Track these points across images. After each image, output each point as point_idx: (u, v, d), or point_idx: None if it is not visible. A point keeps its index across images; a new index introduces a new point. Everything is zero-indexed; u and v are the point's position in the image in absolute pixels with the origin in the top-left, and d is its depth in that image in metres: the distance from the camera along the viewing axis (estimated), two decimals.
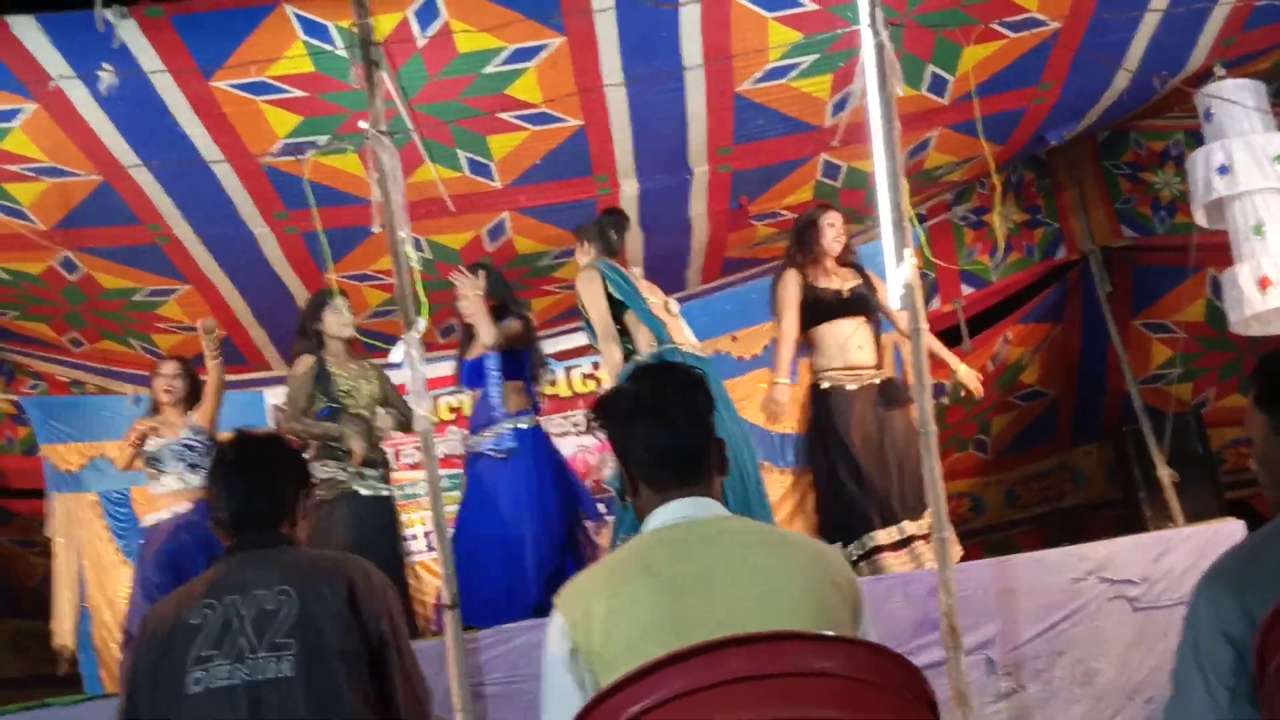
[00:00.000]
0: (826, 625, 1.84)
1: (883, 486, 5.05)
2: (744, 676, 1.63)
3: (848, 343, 5.20)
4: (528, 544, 4.96)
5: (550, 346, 6.96)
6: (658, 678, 1.64)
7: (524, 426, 5.10)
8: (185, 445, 5.30)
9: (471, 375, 5.25)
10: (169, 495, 5.28)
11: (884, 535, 5.01)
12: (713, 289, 7.04)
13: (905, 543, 5.02)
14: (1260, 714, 1.77)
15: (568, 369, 7.02)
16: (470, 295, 5.14)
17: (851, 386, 5.16)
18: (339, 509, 5.05)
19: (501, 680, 4.11)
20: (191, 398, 5.47)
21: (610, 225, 5.22)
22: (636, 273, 5.32)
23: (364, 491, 5.14)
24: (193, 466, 5.24)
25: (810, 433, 5.31)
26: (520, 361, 5.21)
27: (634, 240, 6.37)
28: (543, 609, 4.69)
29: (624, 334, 4.97)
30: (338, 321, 5.30)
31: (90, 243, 5.80)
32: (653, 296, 5.11)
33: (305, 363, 5.25)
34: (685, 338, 5.07)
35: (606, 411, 2.11)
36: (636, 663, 1.68)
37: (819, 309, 5.21)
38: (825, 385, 5.18)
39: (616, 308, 4.97)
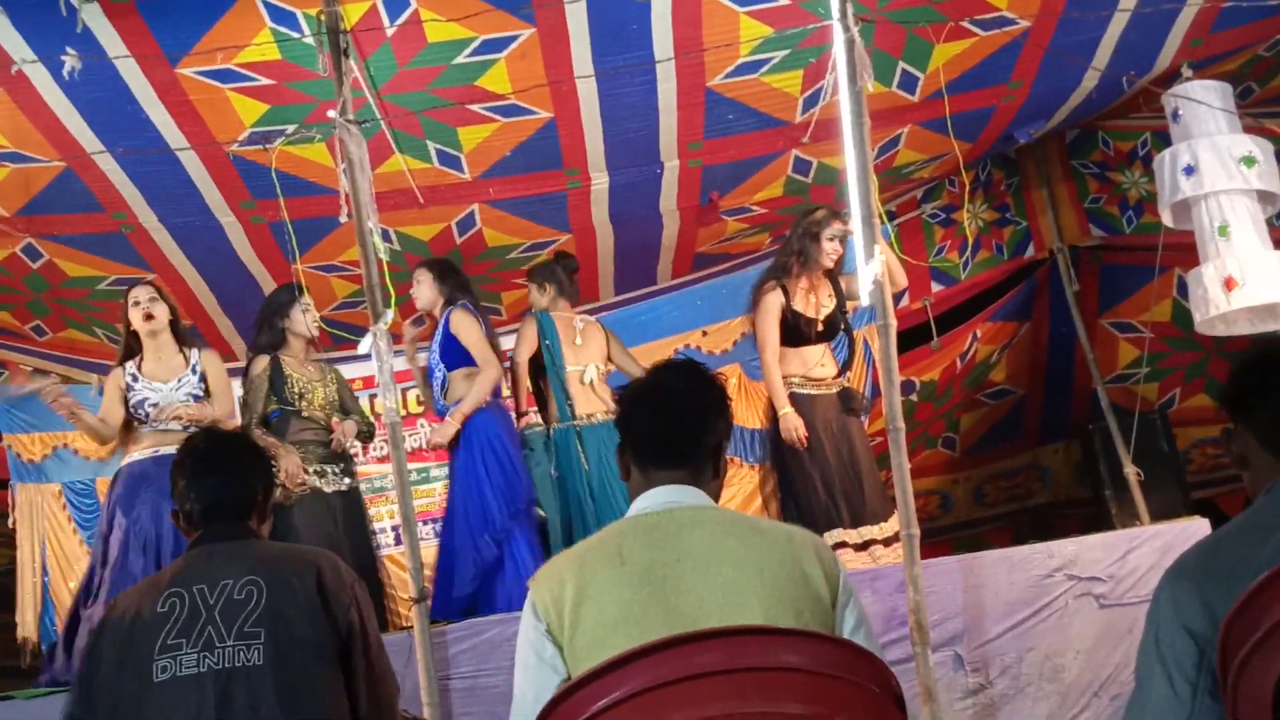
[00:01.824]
0: (793, 615, 1.84)
1: (845, 488, 5.14)
2: (709, 671, 1.62)
3: (813, 362, 5.31)
4: (459, 537, 4.98)
5: None
6: (622, 673, 1.63)
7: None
8: (191, 395, 4.84)
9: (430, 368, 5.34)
10: (148, 437, 4.82)
11: (849, 534, 5.07)
12: (683, 284, 7.05)
13: (865, 545, 5.09)
14: (1222, 708, 1.77)
15: None
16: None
17: (813, 392, 5.26)
18: (301, 510, 4.96)
19: (469, 674, 4.09)
20: (178, 331, 4.97)
21: (565, 269, 5.50)
22: (576, 324, 5.43)
23: (327, 489, 5.08)
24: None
25: (774, 432, 5.33)
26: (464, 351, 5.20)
27: (604, 235, 6.36)
28: (470, 609, 4.73)
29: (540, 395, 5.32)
30: (307, 320, 5.21)
31: (53, 230, 5.72)
32: (573, 358, 5.32)
33: (261, 364, 5.16)
34: (593, 406, 5.27)
35: (620, 401, 2.18)
36: (602, 655, 1.68)
37: (793, 334, 5.27)
38: (788, 390, 5.25)
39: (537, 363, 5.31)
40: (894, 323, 4.22)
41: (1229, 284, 5.32)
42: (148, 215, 5.65)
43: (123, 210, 5.57)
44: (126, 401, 4.85)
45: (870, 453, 5.37)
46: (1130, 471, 6.20)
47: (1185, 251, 5.71)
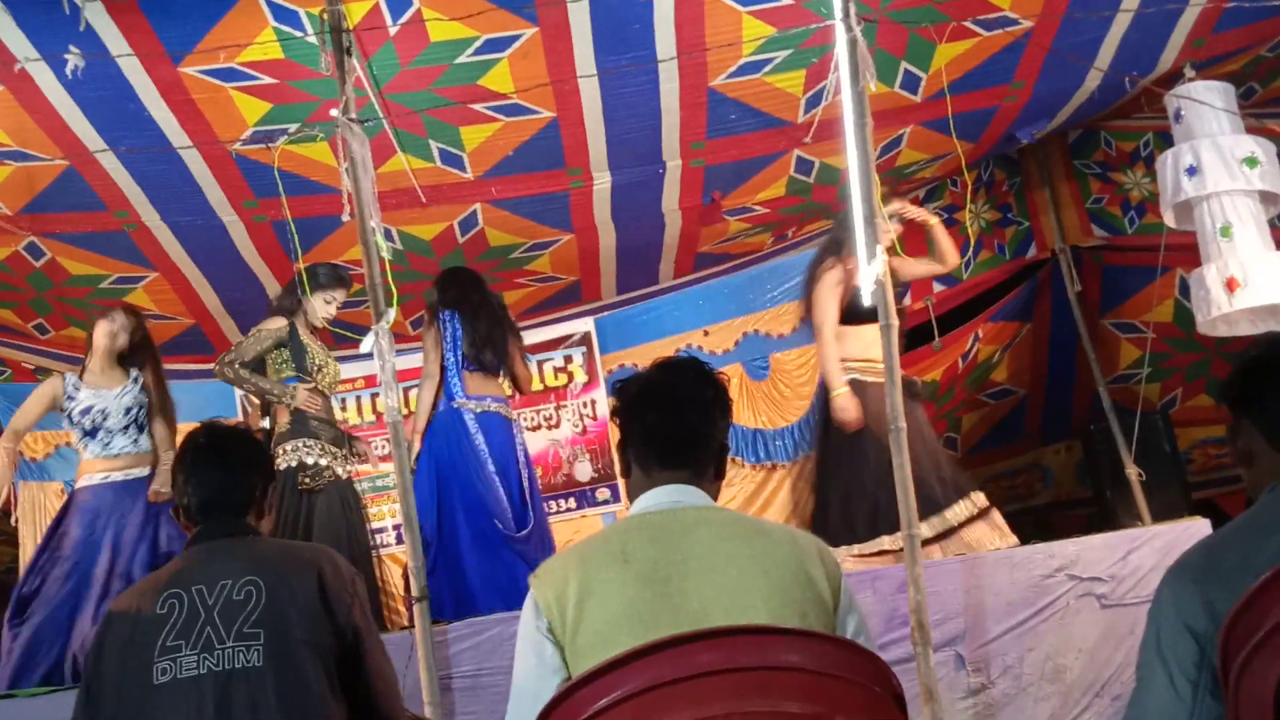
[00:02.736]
0: (796, 617, 1.84)
1: (917, 475, 5.00)
2: (711, 671, 1.62)
3: (870, 341, 5.10)
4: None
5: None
6: (623, 672, 1.63)
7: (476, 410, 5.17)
8: (136, 401, 5.05)
9: None
10: (102, 460, 4.98)
11: (926, 528, 4.85)
12: (685, 283, 7.05)
13: (948, 533, 4.97)
14: (1223, 707, 1.77)
15: (539, 362, 7.00)
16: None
17: (871, 379, 5.10)
18: (324, 497, 4.97)
19: (470, 673, 4.10)
20: (137, 350, 5.16)
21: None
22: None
23: (341, 474, 5.09)
24: (140, 428, 5.03)
25: (824, 415, 5.20)
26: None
27: (606, 234, 6.36)
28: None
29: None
30: (322, 311, 5.22)
31: (56, 228, 5.72)
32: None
33: (278, 323, 5.14)
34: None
35: (620, 395, 2.16)
36: (605, 653, 1.68)
37: (853, 313, 5.14)
38: (845, 376, 5.13)
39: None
40: (896, 323, 4.22)
41: (1231, 285, 5.32)
42: (150, 214, 5.65)
43: (125, 209, 5.58)
44: (60, 409, 5.04)
45: (935, 434, 5.27)
46: (1132, 472, 6.20)
47: (1187, 252, 5.71)
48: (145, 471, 5.01)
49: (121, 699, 2.37)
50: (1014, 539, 4.98)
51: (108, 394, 5.03)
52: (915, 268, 5.54)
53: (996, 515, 5.07)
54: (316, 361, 5.16)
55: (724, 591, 1.85)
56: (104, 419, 5.00)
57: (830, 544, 4.85)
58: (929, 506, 4.83)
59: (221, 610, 2.38)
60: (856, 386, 5.10)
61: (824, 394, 5.19)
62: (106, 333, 5.10)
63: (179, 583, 2.44)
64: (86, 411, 5.00)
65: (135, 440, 5.03)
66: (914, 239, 5.53)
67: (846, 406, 5.03)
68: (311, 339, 5.23)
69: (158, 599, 2.42)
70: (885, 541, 4.90)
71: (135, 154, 5.17)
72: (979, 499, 5.06)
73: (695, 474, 2.05)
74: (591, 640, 1.82)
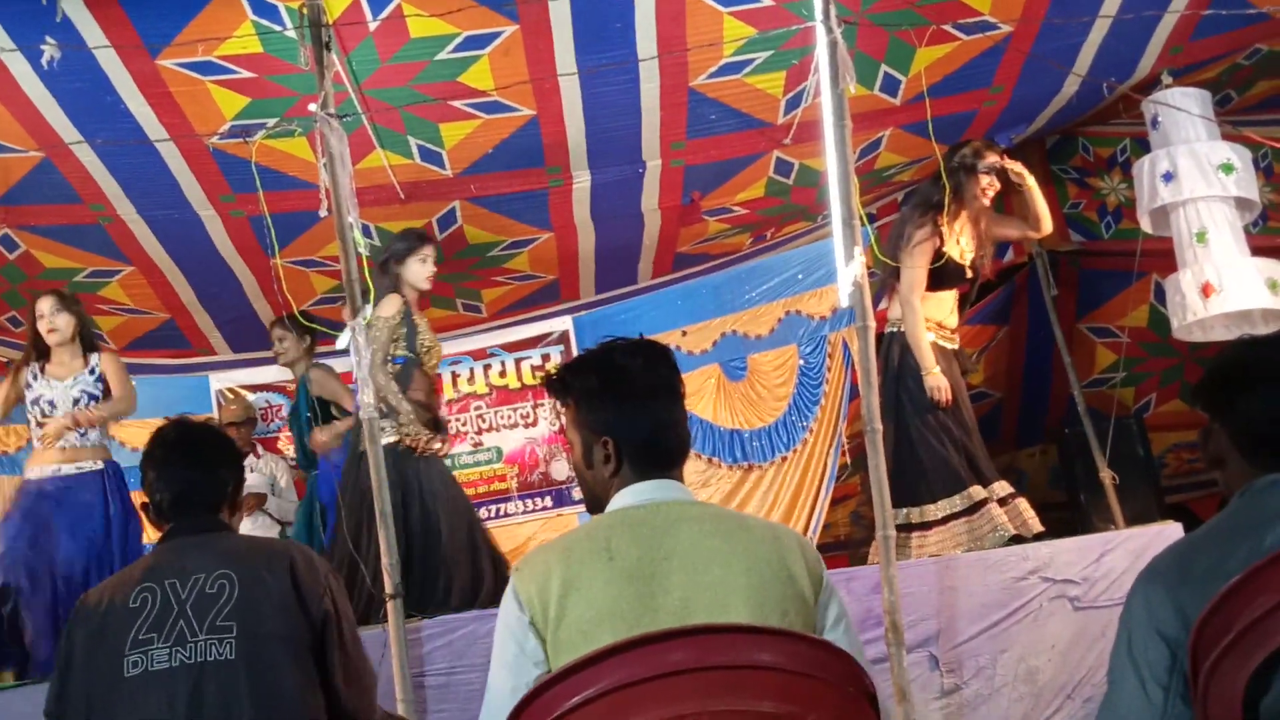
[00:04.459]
0: (777, 614, 1.83)
1: (971, 450, 4.98)
2: (683, 669, 1.62)
3: (948, 310, 5.13)
4: None
5: (500, 338, 6.96)
6: (595, 670, 1.63)
7: None
8: (85, 393, 4.95)
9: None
10: (53, 451, 4.90)
11: (982, 491, 4.89)
12: (664, 283, 7.05)
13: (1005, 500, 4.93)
14: (1193, 711, 1.78)
15: (517, 360, 6.99)
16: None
17: (946, 345, 5.07)
18: (427, 465, 4.90)
19: (444, 671, 4.09)
20: (85, 337, 5.07)
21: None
22: None
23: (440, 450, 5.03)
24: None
25: (896, 390, 5.01)
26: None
27: (585, 233, 6.36)
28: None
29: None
30: (422, 272, 5.09)
31: (30, 220, 5.68)
32: None
33: (395, 303, 4.95)
34: None
35: (600, 384, 2.07)
36: (586, 649, 1.68)
37: (939, 278, 5.01)
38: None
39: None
40: (873, 324, 4.24)
41: (1206, 290, 5.35)
42: (126, 207, 5.62)
43: (101, 202, 5.54)
44: (24, 399, 5.00)
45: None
46: (1106, 475, 6.22)
47: (1163, 257, 5.73)
48: (98, 465, 4.96)
49: (92, 692, 2.36)
50: (1039, 527, 4.91)
51: (59, 384, 4.95)
52: (1008, 229, 5.45)
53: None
54: (425, 343, 5.03)
55: (706, 589, 1.84)
56: (52, 409, 4.93)
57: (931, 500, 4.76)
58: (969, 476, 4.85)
59: (194, 604, 2.37)
60: (936, 352, 4.99)
61: (898, 366, 4.99)
62: (37, 326, 5.03)
63: (152, 577, 2.43)
64: (36, 401, 4.97)
65: (84, 433, 4.94)
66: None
67: (941, 386, 4.89)
68: (420, 316, 5.12)
69: (130, 592, 2.41)
70: (977, 491, 4.85)
71: (111, 147, 5.14)
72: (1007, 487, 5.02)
73: (675, 467, 2.04)
74: (573, 636, 1.81)
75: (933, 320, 5.04)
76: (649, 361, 2.08)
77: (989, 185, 5.09)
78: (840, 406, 6.24)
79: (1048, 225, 5.29)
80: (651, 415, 2.03)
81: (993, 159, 5.07)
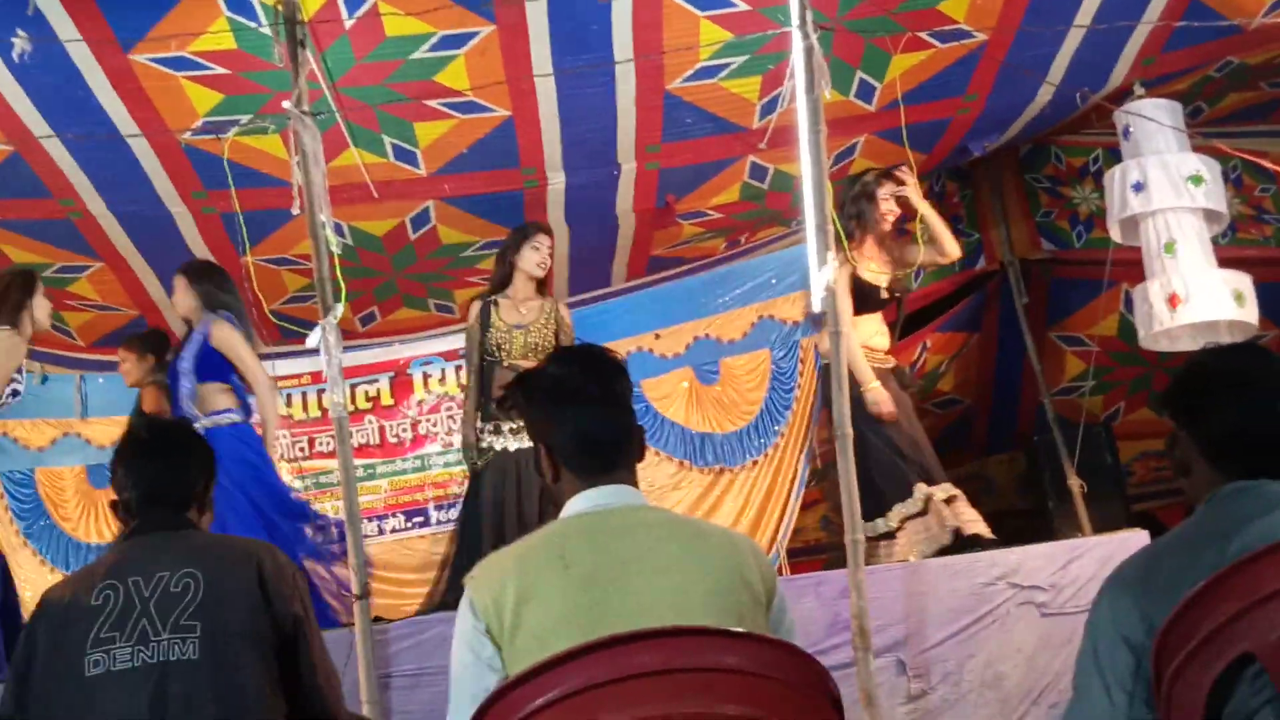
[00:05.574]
0: (734, 618, 1.83)
1: (917, 457, 5.12)
2: (647, 671, 1.61)
3: (872, 332, 5.24)
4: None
5: None
6: (560, 672, 1.62)
7: (208, 426, 4.72)
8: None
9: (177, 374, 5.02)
10: None
11: (934, 490, 5.07)
12: (637, 286, 7.04)
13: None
14: (1157, 717, 1.79)
15: None
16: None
17: (879, 367, 5.17)
18: (488, 472, 4.99)
19: (410, 672, 4.07)
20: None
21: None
22: None
23: (510, 447, 5.01)
24: None
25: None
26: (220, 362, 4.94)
27: (560, 235, 6.35)
28: None
29: None
30: (535, 259, 5.12)
31: None
32: None
33: (474, 311, 5.14)
34: None
35: (530, 393, 2.08)
36: (544, 655, 1.67)
37: (857, 302, 5.16)
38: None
39: None
40: (847, 330, 4.25)
41: (1173, 300, 5.39)
42: (96, 203, 5.57)
43: (70, 197, 5.49)
44: None
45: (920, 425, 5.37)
46: (1074, 483, 6.27)
47: (1134, 267, 5.78)
48: None
49: (52, 690, 2.33)
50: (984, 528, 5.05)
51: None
52: (915, 255, 5.53)
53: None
54: (496, 340, 5.06)
55: (664, 595, 1.84)
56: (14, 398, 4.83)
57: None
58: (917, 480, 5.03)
59: (158, 602, 2.34)
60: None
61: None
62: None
63: (115, 574, 2.40)
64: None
65: None
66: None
67: (880, 399, 5.03)
68: (511, 310, 5.10)
69: (92, 590, 2.38)
70: (923, 488, 5.04)
71: (82, 141, 5.10)
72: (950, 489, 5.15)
73: (626, 471, 2.03)
74: (529, 643, 1.80)
75: (861, 345, 5.15)
76: (584, 367, 2.07)
77: (888, 211, 5.24)
78: (812, 411, 6.25)
79: (952, 249, 5.39)
80: (578, 419, 2.01)
81: (891, 186, 5.23)
